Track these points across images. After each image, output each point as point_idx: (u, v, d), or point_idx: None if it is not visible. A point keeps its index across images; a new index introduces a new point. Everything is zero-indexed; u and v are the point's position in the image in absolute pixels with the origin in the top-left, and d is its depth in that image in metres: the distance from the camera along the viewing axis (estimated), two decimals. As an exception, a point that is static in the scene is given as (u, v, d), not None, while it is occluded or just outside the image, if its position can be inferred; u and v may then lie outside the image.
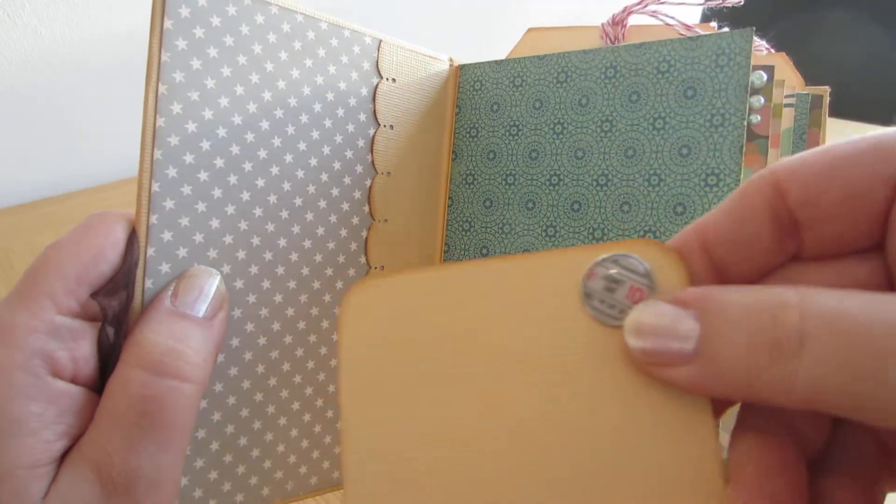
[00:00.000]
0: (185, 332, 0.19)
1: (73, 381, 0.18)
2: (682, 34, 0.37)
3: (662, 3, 0.38)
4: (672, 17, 0.38)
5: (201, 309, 0.20)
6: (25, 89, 0.58)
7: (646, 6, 0.38)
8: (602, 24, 0.41)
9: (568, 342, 0.16)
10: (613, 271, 0.16)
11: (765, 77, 0.29)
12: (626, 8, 0.39)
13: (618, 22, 0.40)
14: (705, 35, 0.25)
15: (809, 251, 0.15)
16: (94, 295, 0.19)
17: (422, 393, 0.17)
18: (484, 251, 0.31)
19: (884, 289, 0.14)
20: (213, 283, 0.21)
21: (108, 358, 0.19)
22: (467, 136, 0.31)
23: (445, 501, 0.16)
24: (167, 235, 0.21)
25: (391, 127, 0.28)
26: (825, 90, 0.35)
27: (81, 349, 0.18)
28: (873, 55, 1.10)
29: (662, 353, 0.14)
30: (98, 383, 0.19)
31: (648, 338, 0.15)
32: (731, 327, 0.13)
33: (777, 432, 0.15)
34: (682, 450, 0.15)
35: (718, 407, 0.17)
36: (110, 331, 0.19)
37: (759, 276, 0.16)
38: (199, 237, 0.22)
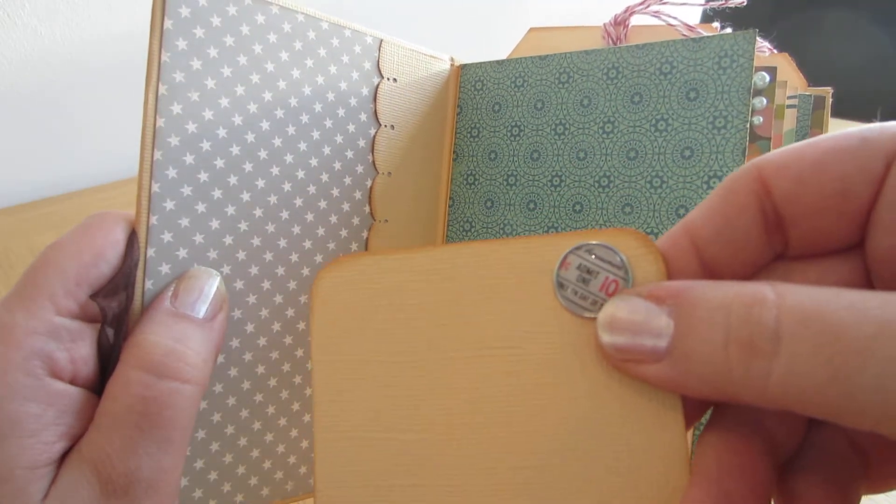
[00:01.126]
0: (185, 333, 0.19)
1: (72, 382, 0.18)
2: (684, 34, 0.37)
3: (665, 3, 0.38)
4: (674, 18, 0.38)
5: (201, 310, 0.20)
6: (25, 89, 0.58)
7: (648, 6, 0.38)
8: (604, 25, 0.41)
9: (540, 331, 0.16)
10: (588, 261, 0.16)
11: (767, 78, 0.29)
12: (628, 8, 0.39)
13: (620, 22, 0.39)
14: (708, 36, 0.25)
15: (795, 249, 0.15)
16: (93, 296, 0.19)
17: (393, 375, 0.16)
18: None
19: (865, 288, 0.14)
20: (213, 284, 0.21)
21: (107, 359, 0.19)
22: (468, 136, 0.31)
23: (413, 483, 0.16)
24: (167, 236, 0.21)
25: (392, 127, 0.28)
26: (828, 91, 0.35)
27: (80, 350, 0.18)
28: (875, 56, 1.09)
29: (635, 350, 0.14)
30: (97, 384, 0.19)
31: (621, 334, 0.14)
32: (705, 325, 0.13)
33: (745, 432, 0.15)
34: (650, 444, 0.15)
35: (699, 407, 0.17)
36: (110, 332, 0.19)
37: (748, 275, 0.15)
38: (199, 238, 0.21)
